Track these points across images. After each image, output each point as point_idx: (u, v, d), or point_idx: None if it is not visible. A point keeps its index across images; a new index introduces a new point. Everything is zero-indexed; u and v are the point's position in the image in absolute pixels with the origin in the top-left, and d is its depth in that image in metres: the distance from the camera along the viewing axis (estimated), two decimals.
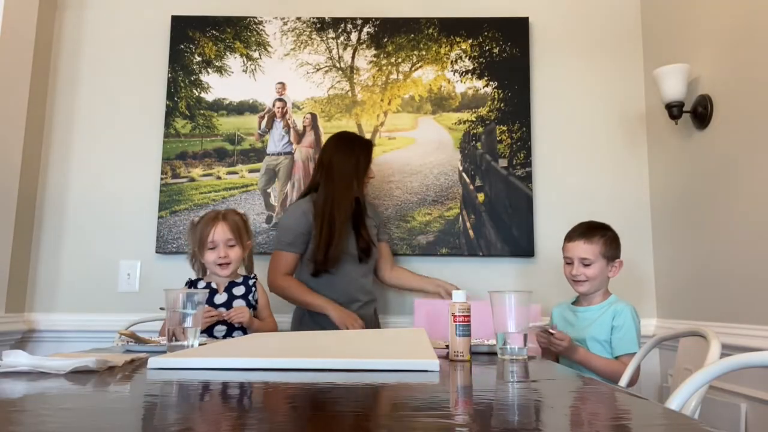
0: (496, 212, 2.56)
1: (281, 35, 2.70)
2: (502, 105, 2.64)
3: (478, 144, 2.62)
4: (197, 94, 2.67)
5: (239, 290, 1.98)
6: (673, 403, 0.95)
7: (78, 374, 0.94)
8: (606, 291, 1.93)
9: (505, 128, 2.62)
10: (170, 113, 2.65)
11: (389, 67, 2.68)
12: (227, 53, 2.70)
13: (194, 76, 2.68)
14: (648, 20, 2.66)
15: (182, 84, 2.67)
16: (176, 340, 1.32)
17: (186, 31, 2.69)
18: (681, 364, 1.56)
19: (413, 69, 2.68)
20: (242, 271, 2.06)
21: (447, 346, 1.33)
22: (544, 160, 2.63)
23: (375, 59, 2.68)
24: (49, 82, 2.67)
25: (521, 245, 2.53)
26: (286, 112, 2.66)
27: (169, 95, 2.66)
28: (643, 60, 2.67)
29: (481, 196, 2.58)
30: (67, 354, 1.20)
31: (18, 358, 0.98)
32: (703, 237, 2.17)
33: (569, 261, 1.90)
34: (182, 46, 2.69)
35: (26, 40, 2.50)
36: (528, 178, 2.58)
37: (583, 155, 2.63)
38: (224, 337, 1.90)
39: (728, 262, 2.01)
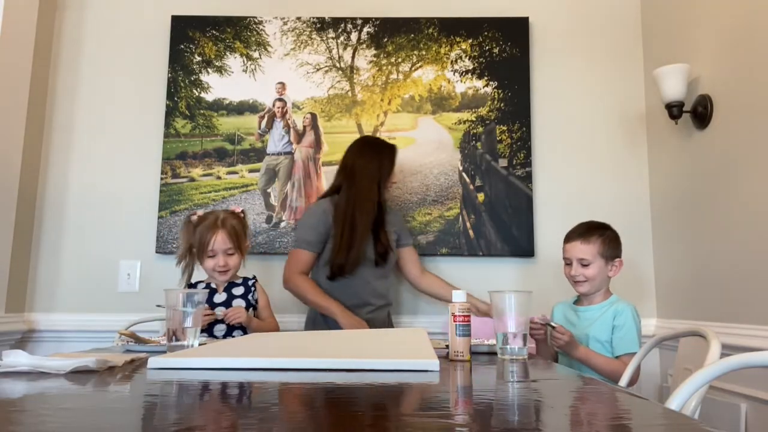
0: (496, 212, 2.56)
1: (281, 35, 2.70)
2: (502, 105, 2.64)
3: (478, 144, 2.62)
4: (197, 94, 2.67)
5: (238, 290, 1.98)
6: (673, 403, 0.95)
7: (78, 374, 0.94)
8: (607, 290, 1.93)
9: (505, 128, 2.62)
10: (170, 113, 2.65)
11: (389, 67, 2.68)
12: (227, 53, 2.70)
13: (194, 76, 2.68)
14: (648, 20, 2.66)
15: (182, 84, 2.67)
16: (176, 340, 1.32)
17: (186, 31, 2.69)
18: (681, 364, 1.56)
19: (413, 69, 2.68)
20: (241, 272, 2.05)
21: (447, 346, 1.33)
22: (544, 160, 2.63)
23: (375, 59, 2.68)
24: (49, 82, 2.68)
25: (521, 245, 2.53)
26: (286, 112, 2.66)
27: (169, 95, 2.66)
28: (643, 60, 2.67)
29: (481, 196, 2.58)
30: (67, 354, 1.20)
31: (18, 358, 0.98)
32: (703, 237, 2.17)
33: (568, 262, 1.91)
34: (182, 46, 2.69)
35: (26, 40, 2.50)
36: (528, 178, 2.58)
37: (583, 155, 2.63)
38: (224, 336, 1.90)
39: (728, 262, 2.01)
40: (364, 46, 2.69)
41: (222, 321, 1.89)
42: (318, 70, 2.69)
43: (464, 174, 2.60)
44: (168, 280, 2.22)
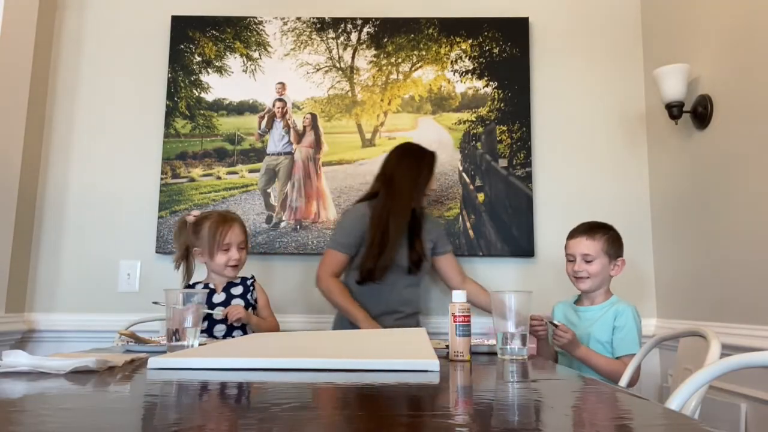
0: (496, 212, 2.56)
1: (281, 35, 2.70)
2: (502, 105, 2.64)
3: (478, 144, 2.62)
4: (197, 94, 2.67)
5: (237, 290, 1.98)
6: (673, 403, 0.95)
7: (78, 374, 0.94)
8: (608, 291, 1.93)
9: (505, 128, 2.62)
10: (170, 113, 2.65)
11: (389, 67, 2.68)
12: (227, 53, 2.70)
13: (194, 76, 2.68)
14: (648, 20, 2.66)
15: (182, 84, 2.67)
16: (176, 340, 1.32)
17: (186, 31, 2.69)
18: (681, 364, 1.56)
19: (413, 69, 2.68)
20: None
21: (447, 346, 1.33)
22: (544, 160, 2.63)
23: (375, 59, 2.68)
24: (49, 82, 2.68)
25: (521, 245, 2.53)
26: (286, 112, 2.66)
27: (169, 95, 2.66)
28: (643, 60, 2.67)
29: (481, 196, 2.58)
30: (67, 354, 1.20)
31: (18, 358, 0.98)
32: (703, 237, 2.17)
33: (571, 258, 1.90)
34: (182, 46, 2.69)
35: (26, 40, 2.50)
36: (528, 178, 2.58)
37: (583, 155, 2.63)
38: (224, 337, 1.90)
39: (728, 262, 2.01)
40: (364, 46, 2.69)
41: (222, 321, 1.89)
42: (318, 70, 2.69)
43: (464, 174, 2.60)
44: (168, 280, 2.22)
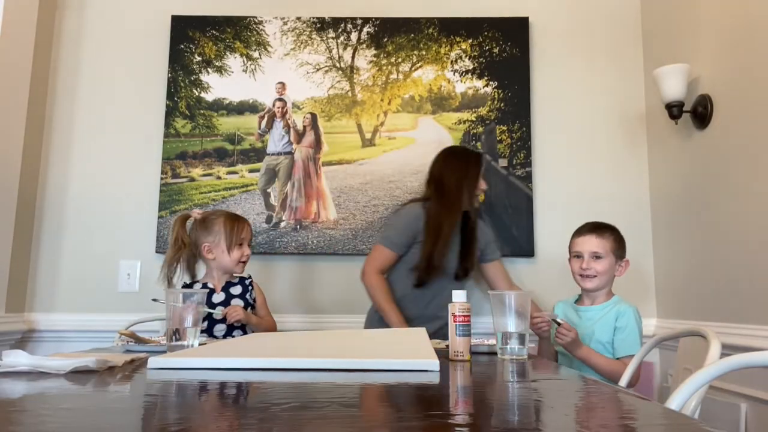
0: (496, 212, 2.56)
1: (281, 35, 2.70)
2: (502, 105, 2.64)
3: (478, 144, 2.62)
4: (197, 94, 2.67)
5: (236, 290, 1.98)
6: (673, 403, 0.95)
7: (78, 374, 0.94)
8: (610, 291, 1.93)
9: (505, 128, 2.62)
10: (170, 113, 2.65)
11: (389, 67, 2.68)
12: (227, 53, 2.70)
13: (194, 76, 2.68)
14: (648, 20, 2.66)
15: (182, 84, 2.67)
16: (176, 340, 1.32)
17: (186, 31, 2.69)
18: (681, 364, 1.57)
19: (413, 69, 2.68)
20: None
21: (447, 346, 1.33)
22: (544, 160, 2.63)
23: (375, 59, 2.68)
24: (49, 82, 2.68)
25: (521, 245, 2.53)
26: (286, 111, 2.66)
27: (169, 95, 2.66)
28: (643, 60, 2.67)
29: (481, 196, 2.57)
30: (67, 354, 1.19)
31: (18, 358, 0.98)
32: (703, 237, 2.17)
33: (578, 255, 1.89)
34: (182, 46, 2.69)
35: (26, 40, 2.50)
36: (528, 178, 2.58)
37: (583, 155, 2.63)
38: (224, 336, 1.90)
39: (728, 262, 2.01)
40: (364, 46, 2.69)
41: (222, 321, 1.89)
42: (318, 70, 2.69)
43: None
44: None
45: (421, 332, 1.54)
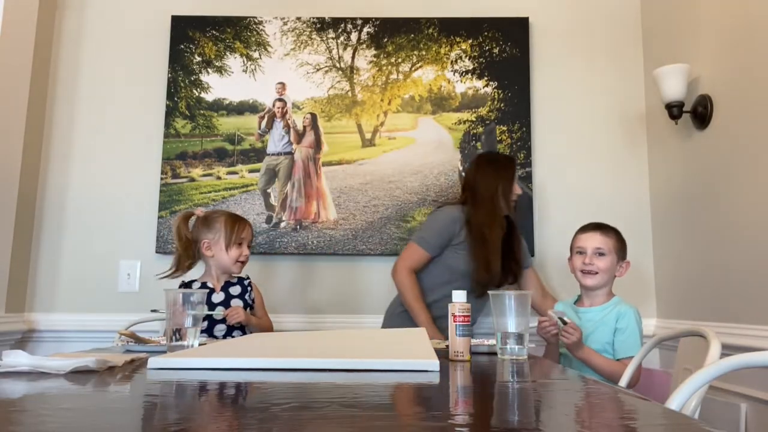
0: None
1: (281, 35, 2.71)
2: (502, 105, 2.64)
3: (478, 144, 2.62)
4: (197, 94, 2.67)
5: (235, 290, 1.99)
6: (673, 403, 0.95)
7: (78, 374, 0.94)
8: (610, 292, 1.92)
9: (505, 128, 2.62)
10: (170, 113, 2.65)
11: (389, 67, 2.68)
12: (227, 53, 2.70)
13: (194, 76, 2.68)
14: (648, 20, 2.66)
15: (182, 84, 2.67)
16: (176, 340, 1.32)
17: (186, 31, 2.69)
18: (681, 364, 1.56)
19: (413, 69, 2.68)
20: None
21: (447, 346, 1.33)
22: (544, 160, 2.63)
23: (375, 59, 2.68)
24: (49, 82, 2.68)
25: None
26: (286, 112, 2.66)
27: (169, 95, 2.66)
28: (643, 60, 2.67)
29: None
30: (67, 354, 1.19)
31: (18, 358, 0.98)
32: (703, 237, 2.17)
33: (581, 251, 1.89)
34: (182, 46, 2.69)
35: (26, 40, 2.50)
36: (528, 178, 2.58)
37: (583, 155, 2.63)
38: (224, 337, 1.90)
39: (728, 262, 2.01)
40: (364, 46, 2.69)
41: (222, 321, 1.89)
42: (318, 70, 2.69)
43: (464, 174, 2.60)
44: (168, 280, 2.22)
45: (421, 332, 1.54)
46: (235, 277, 2.02)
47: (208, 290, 1.94)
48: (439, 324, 2.06)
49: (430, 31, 2.69)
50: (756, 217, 1.86)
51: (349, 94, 2.67)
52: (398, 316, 2.17)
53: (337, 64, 2.69)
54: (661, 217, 2.51)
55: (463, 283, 2.06)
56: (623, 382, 1.54)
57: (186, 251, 1.99)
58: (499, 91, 2.65)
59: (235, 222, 1.97)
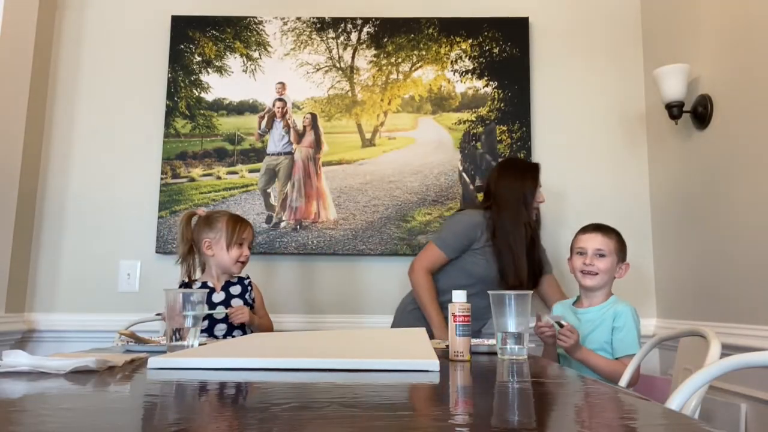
0: None
1: (281, 35, 2.70)
2: (502, 105, 2.64)
3: (478, 144, 2.62)
4: (197, 94, 2.67)
5: (236, 289, 1.99)
6: (673, 403, 0.95)
7: (78, 374, 0.94)
8: (608, 292, 1.92)
9: (505, 128, 2.62)
10: (170, 113, 2.65)
11: (389, 67, 2.68)
12: (227, 53, 2.70)
13: (194, 76, 2.68)
14: (648, 20, 2.66)
15: (182, 84, 2.67)
16: (176, 340, 1.32)
17: (186, 31, 2.69)
18: (681, 364, 1.57)
19: (413, 69, 2.68)
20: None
21: (447, 346, 1.33)
22: (544, 160, 2.62)
23: (375, 59, 2.68)
24: (49, 82, 2.68)
25: None
26: (286, 112, 2.66)
27: (169, 95, 2.66)
28: (643, 60, 2.67)
29: (481, 196, 2.57)
30: (67, 354, 1.19)
31: (18, 358, 0.98)
32: (703, 237, 2.17)
33: (582, 252, 1.89)
34: (182, 46, 2.69)
35: (26, 40, 2.50)
36: None
37: (583, 155, 2.63)
38: (224, 336, 1.90)
39: (728, 262, 2.01)
40: (364, 46, 2.69)
41: (222, 321, 1.89)
42: (318, 70, 2.69)
43: (464, 174, 2.60)
44: (168, 280, 2.22)
45: (421, 332, 1.54)
46: (235, 277, 2.02)
47: (208, 290, 1.94)
48: None
49: (430, 31, 2.69)
50: (756, 217, 1.86)
51: (349, 94, 2.67)
52: (410, 313, 2.19)
53: (337, 64, 2.69)
54: (661, 217, 2.51)
55: (480, 287, 2.05)
56: (623, 382, 1.54)
57: (187, 250, 2.01)
58: (499, 91, 2.65)
59: (237, 222, 1.98)
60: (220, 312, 1.88)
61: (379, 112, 2.66)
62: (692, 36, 2.28)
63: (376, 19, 2.70)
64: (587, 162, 2.63)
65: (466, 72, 2.67)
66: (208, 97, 2.67)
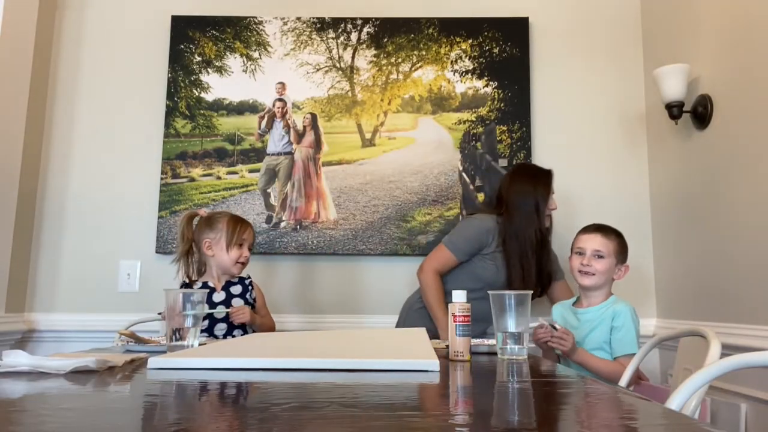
0: None
1: (281, 35, 2.71)
2: (502, 105, 2.64)
3: (478, 144, 2.62)
4: (197, 94, 2.67)
5: (236, 289, 1.99)
6: (673, 403, 0.95)
7: (78, 374, 0.94)
8: (608, 292, 1.92)
9: (505, 128, 2.62)
10: (170, 113, 2.65)
11: (389, 67, 2.68)
12: (227, 53, 2.70)
13: (194, 76, 2.68)
14: (648, 20, 2.66)
15: (182, 84, 2.67)
16: (176, 340, 1.32)
17: (186, 31, 2.69)
18: (681, 364, 1.57)
19: (413, 69, 2.68)
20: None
21: (447, 346, 1.33)
22: (544, 160, 2.62)
23: (375, 59, 2.68)
24: (49, 82, 2.68)
25: None
26: (286, 112, 2.66)
27: (169, 95, 2.66)
28: (643, 60, 2.67)
29: (481, 196, 2.58)
30: (67, 354, 1.19)
31: (18, 358, 0.98)
32: (703, 237, 2.17)
33: (581, 252, 1.89)
34: (182, 46, 2.69)
35: (26, 40, 2.50)
36: None
37: (583, 155, 2.63)
38: (225, 336, 1.90)
39: (728, 262, 2.01)
40: (364, 46, 2.69)
41: (223, 320, 1.89)
42: (318, 70, 2.69)
43: (464, 174, 2.60)
44: (168, 279, 2.22)
45: (421, 332, 1.54)
46: (236, 277, 2.02)
47: (208, 290, 1.95)
48: None
49: (430, 31, 2.69)
50: (756, 217, 1.86)
51: (349, 94, 2.67)
52: (416, 312, 2.20)
53: (337, 64, 2.69)
54: (661, 217, 2.51)
55: (488, 291, 2.06)
56: (623, 382, 1.54)
57: (184, 249, 2.01)
58: (499, 91, 2.65)
59: (237, 223, 1.99)
60: (221, 311, 1.88)
61: (379, 112, 2.66)
62: (692, 36, 2.28)
63: (376, 19, 2.70)
64: (587, 162, 2.63)
65: (466, 72, 2.67)
66: (208, 97, 2.67)
